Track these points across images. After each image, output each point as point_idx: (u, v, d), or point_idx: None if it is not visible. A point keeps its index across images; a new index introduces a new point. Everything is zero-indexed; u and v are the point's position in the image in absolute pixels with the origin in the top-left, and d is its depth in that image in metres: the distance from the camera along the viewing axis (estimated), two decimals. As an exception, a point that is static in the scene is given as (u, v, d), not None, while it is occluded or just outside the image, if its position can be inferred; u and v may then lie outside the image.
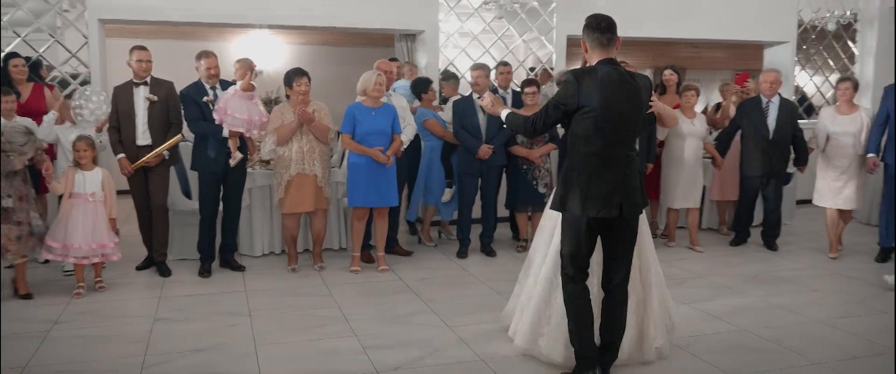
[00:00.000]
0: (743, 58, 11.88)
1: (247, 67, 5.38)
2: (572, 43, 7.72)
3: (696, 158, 6.19)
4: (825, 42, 8.89)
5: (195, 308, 4.54)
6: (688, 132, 6.09)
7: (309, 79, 5.28)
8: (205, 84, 5.26)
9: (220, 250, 5.50)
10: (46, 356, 3.72)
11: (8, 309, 4.42)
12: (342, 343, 3.92)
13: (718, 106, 7.29)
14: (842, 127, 5.93)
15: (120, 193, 5.12)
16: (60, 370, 3.55)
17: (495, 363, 3.64)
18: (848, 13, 8.67)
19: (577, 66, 4.53)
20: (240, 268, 5.46)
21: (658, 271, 3.73)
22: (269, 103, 7.97)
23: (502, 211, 6.35)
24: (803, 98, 9.24)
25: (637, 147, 3.61)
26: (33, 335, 3.99)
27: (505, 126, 3.92)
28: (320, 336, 4.04)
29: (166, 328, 4.16)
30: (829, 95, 8.99)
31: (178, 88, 5.31)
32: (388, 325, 4.25)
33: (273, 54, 10.33)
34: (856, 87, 6.10)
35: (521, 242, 6.24)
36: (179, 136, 5.24)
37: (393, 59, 6.50)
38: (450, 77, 6.75)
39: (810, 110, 9.18)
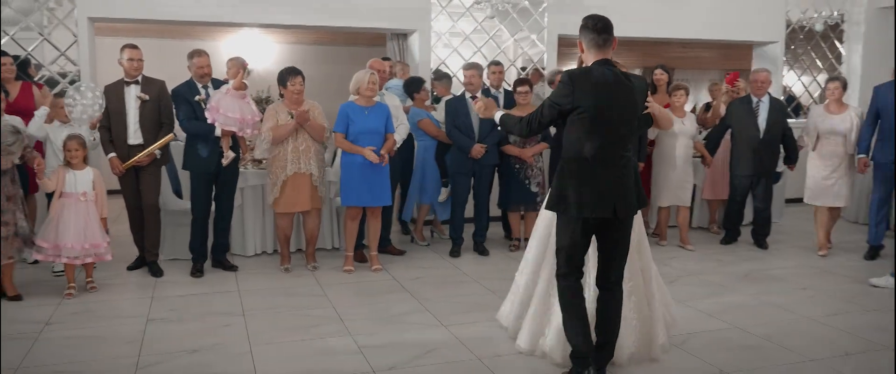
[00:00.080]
0: (731, 58, 11.97)
1: (239, 65, 5.34)
2: (563, 42, 7.75)
3: (686, 158, 6.23)
4: (813, 42, 8.99)
5: (188, 308, 4.51)
6: (678, 132, 6.11)
7: (303, 78, 5.26)
8: (197, 83, 5.23)
9: (212, 250, 5.47)
10: (40, 356, 3.69)
11: (-2, 310, 4.38)
12: (337, 343, 3.91)
13: (708, 105, 7.34)
14: (832, 126, 5.99)
15: (110, 192, 5.08)
16: (57, 370, 3.52)
17: (491, 362, 3.65)
18: (835, 14, 8.76)
19: (569, 65, 4.54)
20: (232, 268, 5.44)
21: (655, 269, 3.75)
22: (261, 103, 7.94)
23: (495, 210, 6.37)
24: (791, 98, 9.33)
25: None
26: (25, 336, 3.96)
27: (499, 129, 3.91)
28: (315, 336, 4.03)
29: (160, 328, 4.14)
30: (816, 94, 9.08)
31: (169, 87, 5.28)
32: (382, 324, 4.25)
33: (264, 53, 10.30)
34: (845, 86, 6.16)
35: (514, 241, 6.26)
36: (171, 135, 5.20)
37: (385, 59, 6.49)
38: (442, 77, 6.75)
39: (798, 110, 9.28)
